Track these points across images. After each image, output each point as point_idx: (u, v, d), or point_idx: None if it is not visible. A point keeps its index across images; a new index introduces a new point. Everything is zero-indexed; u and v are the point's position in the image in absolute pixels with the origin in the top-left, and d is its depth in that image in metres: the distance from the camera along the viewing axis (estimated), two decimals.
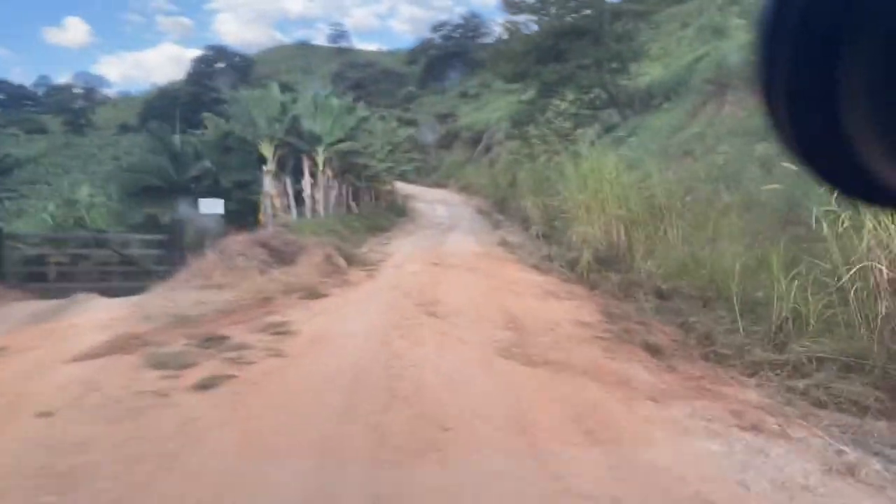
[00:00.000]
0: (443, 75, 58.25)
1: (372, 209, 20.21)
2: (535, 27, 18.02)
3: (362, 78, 55.94)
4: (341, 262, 10.26)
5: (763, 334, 5.90)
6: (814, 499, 3.25)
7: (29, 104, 70.23)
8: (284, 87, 18.50)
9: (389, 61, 70.77)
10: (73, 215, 17.31)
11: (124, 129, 56.26)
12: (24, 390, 4.76)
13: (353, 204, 19.31)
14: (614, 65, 17.14)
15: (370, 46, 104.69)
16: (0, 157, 41.09)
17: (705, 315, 6.84)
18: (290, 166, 15.96)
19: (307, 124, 15.90)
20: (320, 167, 16.30)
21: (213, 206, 12.97)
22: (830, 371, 5.02)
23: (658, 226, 9.15)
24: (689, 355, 5.77)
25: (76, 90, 73.51)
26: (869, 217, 5.45)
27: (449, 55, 60.80)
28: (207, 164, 15.55)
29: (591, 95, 16.50)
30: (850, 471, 3.65)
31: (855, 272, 5.35)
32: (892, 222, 5.22)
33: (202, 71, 62.16)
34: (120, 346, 6.14)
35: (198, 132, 18.56)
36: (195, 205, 13.24)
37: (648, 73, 18.87)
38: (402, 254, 12.36)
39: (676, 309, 7.37)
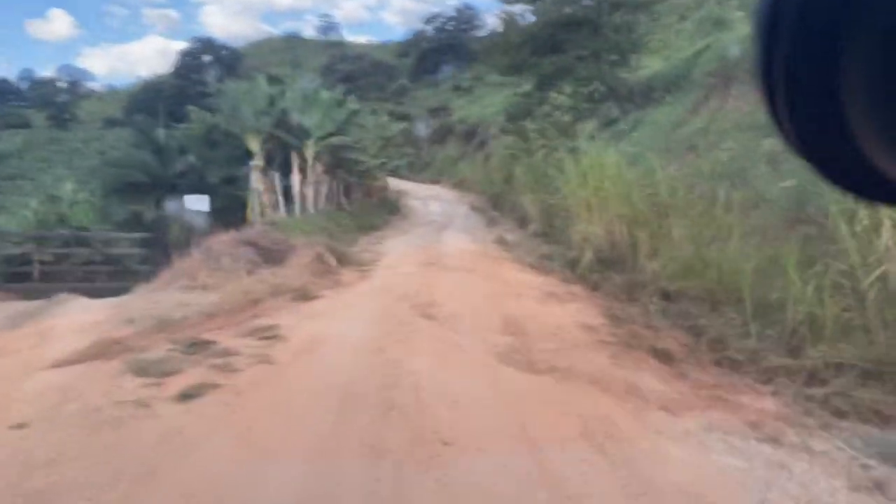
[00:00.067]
0: (436, 68, 57.78)
1: (364, 206, 19.83)
2: (531, 18, 17.68)
3: (353, 71, 55.38)
4: (332, 261, 9.94)
5: (777, 339, 5.64)
6: None
7: (12, 98, 69.19)
8: (273, 80, 18.07)
9: (380, 54, 70.17)
10: (56, 212, 16.87)
11: (110, 123, 55.56)
12: None
13: (344, 200, 18.94)
14: (613, 56, 16.82)
15: (361, 39, 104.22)
16: None
17: (714, 318, 6.57)
18: (279, 161, 15.55)
19: (296, 118, 15.50)
20: (310, 162, 15.92)
21: (198, 203, 12.60)
22: (850, 378, 4.76)
23: (662, 224, 8.87)
24: (700, 361, 5.50)
25: (60, 84, 72.43)
26: (888, 216, 5.22)
27: (442, 48, 60.34)
28: (192, 159, 15.14)
29: (590, 88, 16.18)
30: (879, 487, 3.40)
31: (873, 273, 5.11)
32: None
33: (189, 64, 61.41)
34: (100, 351, 5.82)
35: (183, 126, 18.13)
36: (180, 201, 12.87)
37: (648, 66, 18.59)
38: (395, 253, 12.04)
39: (684, 311, 7.10)
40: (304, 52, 76.46)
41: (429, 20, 67.33)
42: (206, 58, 63.03)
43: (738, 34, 13.83)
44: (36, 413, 4.08)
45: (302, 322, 6.63)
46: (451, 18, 65.11)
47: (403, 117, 32.85)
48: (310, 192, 15.96)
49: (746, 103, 11.52)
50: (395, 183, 25.83)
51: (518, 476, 3.22)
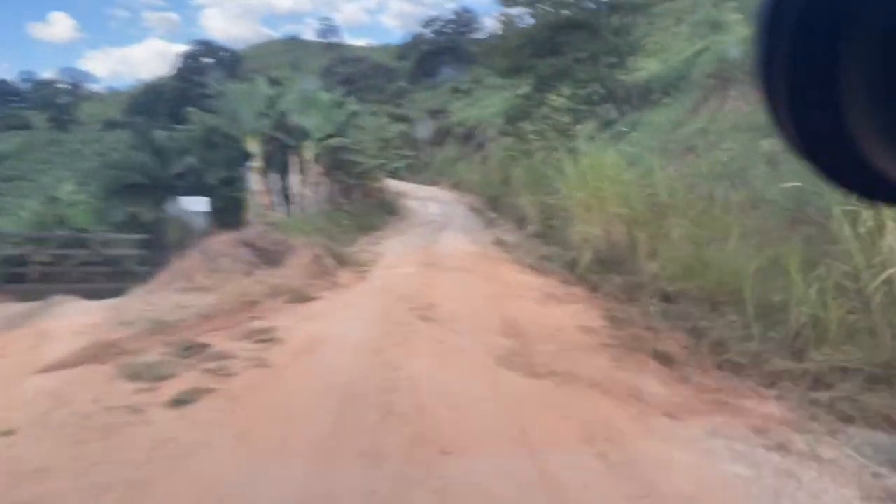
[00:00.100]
0: (434, 71, 57.72)
1: (362, 207, 19.72)
2: (530, 20, 17.64)
3: (352, 73, 55.34)
4: (331, 262, 9.85)
5: (780, 341, 5.55)
6: None
7: (13, 100, 69.17)
8: (272, 82, 18.00)
9: (380, 57, 70.12)
10: (55, 213, 16.79)
11: (110, 124, 55.45)
12: None
13: (342, 202, 18.86)
14: (612, 59, 16.78)
15: (360, 42, 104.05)
16: None
17: (715, 320, 6.49)
18: (278, 162, 15.47)
19: (295, 119, 15.42)
20: (309, 163, 15.85)
21: (196, 204, 12.52)
22: (856, 382, 4.68)
23: (661, 225, 8.80)
24: (701, 364, 5.42)
25: (61, 85, 72.38)
26: (892, 217, 5.15)
27: (440, 50, 60.31)
28: (191, 160, 15.06)
29: (588, 90, 16.13)
30: (892, 497, 3.32)
31: (878, 275, 5.03)
32: None
33: (189, 66, 61.38)
34: (93, 354, 5.74)
35: (182, 128, 18.05)
36: (179, 203, 12.80)
37: (645, 69, 18.53)
38: (394, 254, 11.96)
39: (684, 313, 7.02)
40: (304, 55, 76.46)
41: (427, 23, 67.44)
42: (207, 60, 63.00)
43: (737, 36, 13.78)
44: (25, 419, 4.00)
45: (299, 324, 6.56)
46: (449, 21, 65.17)
47: (402, 119, 32.77)
48: (309, 193, 15.88)
49: (746, 104, 11.47)
50: (393, 184, 25.75)
51: (519, 483, 3.14)
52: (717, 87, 12.49)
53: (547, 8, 17.40)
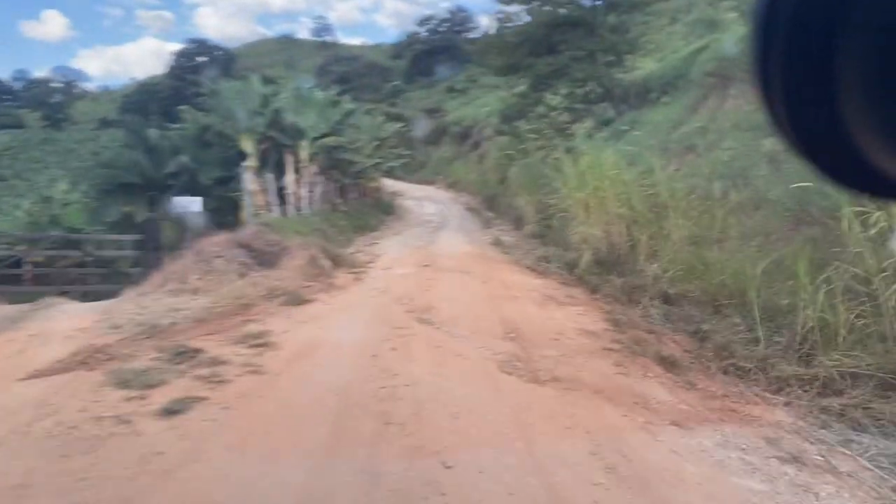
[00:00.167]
0: (429, 70, 57.46)
1: (358, 207, 19.57)
2: (527, 18, 17.48)
3: (347, 72, 55.10)
4: (327, 263, 9.69)
5: (786, 346, 5.43)
6: None
7: (6, 99, 68.76)
8: (266, 80, 17.79)
9: (374, 55, 69.95)
10: (48, 213, 16.57)
11: (104, 123, 55.16)
12: None
13: (338, 201, 18.68)
14: (609, 57, 16.64)
15: (354, 41, 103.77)
16: None
17: (718, 322, 6.38)
18: (273, 162, 15.26)
19: (290, 118, 15.21)
20: (304, 163, 15.66)
21: (190, 204, 12.33)
22: (867, 389, 4.56)
23: (662, 226, 8.67)
24: (706, 369, 5.30)
25: (54, 84, 71.92)
26: None
27: (435, 49, 60.08)
28: (185, 159, 14.83)
29: (586, 89, 15.99)
30: None
31: (891, 279, 4.91)
32: None
33: (183, 65, 61.11)
34: (82, 360, 5.58)
35: (176, 126, 17.83)
36: (172, 202, 12.61)
37: (642, 68, 18.42)
38: (390, 254, 11.80)
39: (686, 315, 6.91)
40: (299, 54, 76.30)
41: (422, 22, 67.18)
42: (201, 59, 62.72)
43: (736, 34, 13.66)
44: (7, 430, 3.84)
45: (295, 327, 6.40)
46: (444, 20, 64.99)
47: (398, 118, 32.56)
48: (304, 193, 15.69)
49: (746, 103, 11.34)
50: (389, 183, 25.61)
51: (525, 500, 3.00)
52: (716, 85, 12.37)
53: (543, 7, 17.25)
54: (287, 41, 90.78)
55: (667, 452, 3.53)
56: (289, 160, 15.42)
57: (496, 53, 19.16)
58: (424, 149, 38.25)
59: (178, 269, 9.12)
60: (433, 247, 12.89)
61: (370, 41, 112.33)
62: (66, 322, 7.29)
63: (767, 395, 4.76)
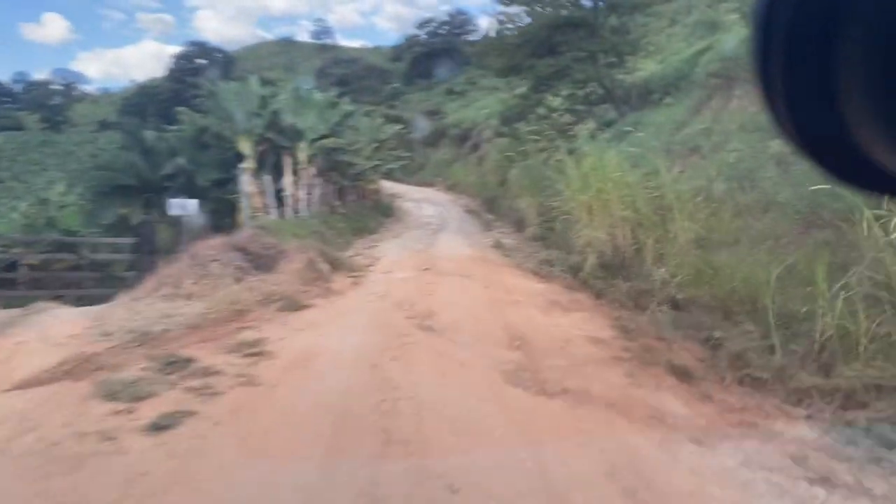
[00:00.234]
0: (429, 72, 57.26)
1: (357, 209, 19.35)
2: (527, 19, 17.26)
3: (346, 74, 54.95)
4: (325, 267, 9.46)
5: (803, 355, 5.20)
6: None
7: (6, 101, 68.54)
8: (265, 81, 17.57)
9: (374, 58, 69.79)
10: (45, 216, 16.34)
11: (103, 126, 54.94)
12: None
13: (337, 204, 18.46)
14: (611, 58, 16.43)
15: (354, 43, 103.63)
16: None
17: (730, 329, 6.14)
18: (271, 164, 15.04)
19: (288, 119, 14.99)
20: (303, 165, 15.44)
21: (186, 207, 12.09)
22: (892, 401, 4.34)
23: (668, 228, 8.44)
24: (721, 379, 5.07)
25: (54, 86, 71.71)
26: None
27: (435, 52, 59.88)
28: (181, 161, 14.59)
29: (587, 90, 15.78)
30: None
31: None
32: None
33: (183, 67, 60.92)
34: (70, 369, 5.35)
35: (173, 128, 17.60)
36: (168, 205, 12.38)
37: (643, 69, 18.21)
38: (390, 258, 11.58)
39: (695, 322, 6.66)
40: (298, 56, 76.16)
41: (422, 24, 67.04)
42: (201, 61, 62.55)
43: (738, 35, 13.45)
44: None
45: (291, 335, 6.18)
46: (444, 23, 64.84)
47: (397, 120, 32.36)
48: (302, 195, 15.46)
49: (751, 104, 11.12)
50: (388, 186, 25.40)
51: None
52: (720, 86, 12.16)
53: (544, 9, 17.05)
54: (287, 44, 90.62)
55: (688, 473, 3.30)
56: (287, 162, 15.20)
57: (496, 55, 18.94)
58: (423, 151, 38.07)
59: (172, 272, 8.89)
60: (433, 250, 12.67)
61: (370, 44, 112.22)
62: (57, 328, 7.06)
63: (787, 407, 4.54)
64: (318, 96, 17.53)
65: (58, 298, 9.63)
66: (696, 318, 6.83)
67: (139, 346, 5.94)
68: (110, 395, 4.56)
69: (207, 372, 4.91)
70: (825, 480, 3.29)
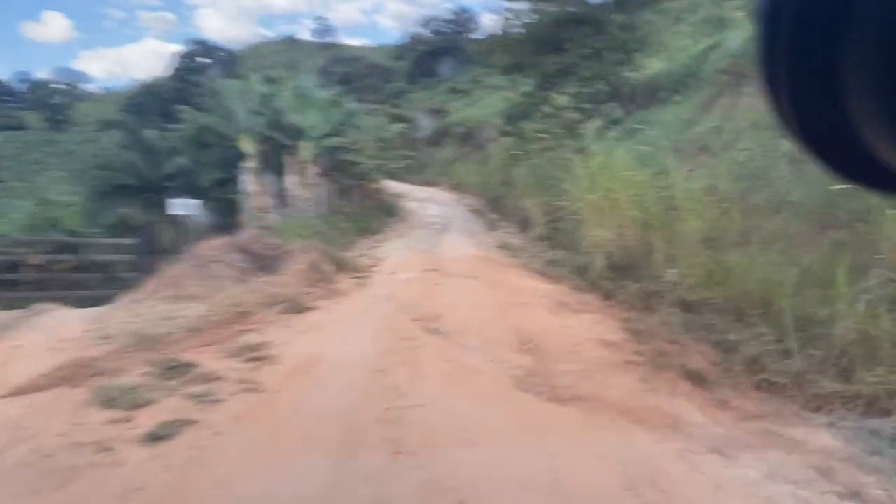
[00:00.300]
0: (432, 71, 57.07)
1: (361, 209, 19.17)
2: (533, 16, 17.06)
3: (349, 73, 54.78)
4: (329, 268, 9.31)
5: (822, 359, 5.03)
6: None
7: (8, 100, 68.55)
8: (267, 79, 17.41)
9: (377, 56, 69.57)
10: (47, 216, 16.22)
11: (105, 125, 54.86)
12: None
13: (340, 203, 18.30)
14: (619, 55, 16.23)
15: (356, 42, 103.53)
16: None
17: (743, 332, 5.97)
18: (273, 163, 14.90)
19: (291, 118, 14.84)
20: (305, 164, 15.29)
21: (188, 207, 11.96)
22: None
23: (678, 229, 8.27)
24: (737, 384, 4.91)
25: (56, 86, 71.67)
26: None
27: (438, 50, 59.67)
28: (183, 160, 14.46)
29: (593, 88, 15.59)
30: None
31: None
32: None
33: (185, 66, 60.83)
34: (67, 375, 5.22)
35: (174, 127, 17.46)
36: (170, 205, 12.25)
37: (650, 67, 18.01)
38: (395, 258, 11.42)
39: (708, 324, 6.49)
40: (301, 55, 75.98)
41: (425, 23, 66.72)
42: (203, 60, 62.46)
43: (748, 31, 13.27)
44: None
45: (294, 338, 6.04)
46: (447, 21, 64.52)
47: (400, 119, 32.19)
48: (305, 195, 15.32)
49: (762, 101, 10.93)
50: (392, 185, 25.23)
51: None
52: (730, 83, 11.97)
53: (550, 4, 16.86)
54: (289, 42, 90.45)
55: (710, 487, 3.15)
56: (289, 161, 15.06)
57: (501, 52, 18.74)
58: (427, 150, 37.88)
59: (173, 274, 8.76)
60: (438, 250, 12.51)
61: (372, 42, 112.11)
62: (56, 331, 6.94)
63: (807, 414, 4.38)
64: (321, 94, 17.37)
65: (59, 300, 9.52)
66: (708, 320, 6.66)
67: (139, 349, 5.81)
68: (108, 402, 4.42)
69: (208, 378, 4.78)
70: (855, 495, 3.14)
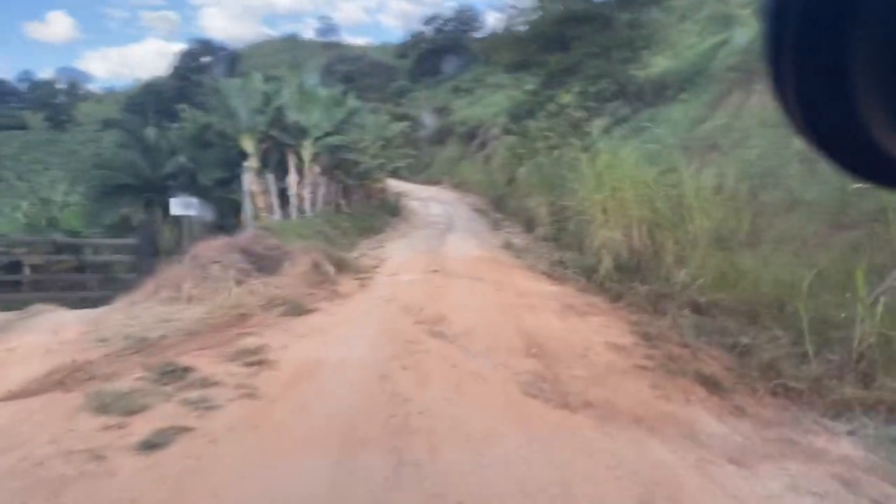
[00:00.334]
0: (435, 69, 56.81)
1: (363, 208, 19.03)
2: (538, 13, 16.91)
3: (352, 71, 54.66)
4: (330, 269, 9.15)
5: (840, 364, 4.87)
6: None
7: (10, 100, 68.62)
8: (268, 78, 17.25)
9: (380, 55, 69.43)
10: (47, 216, 16.09)
11: (107, 124, 54.77)
12: None
13: (342, 203, 18.15)
14: (625, 53, 16.07)
15: (359, 41, 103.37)
16: None
17: (757, 335, 5.81)
18: (275, 162, 14.75)
19: (293, 116, 14.67)
20: (307, 163, 15.14)
21: (187, 207, 11.81)
22: None
23: (688, 229, 8.10)
24: (753, 391, 4.75)
25: (59, 85, 71.70)
26: None
27: (441, 49, 59.42)
28: (183, 160, 14.30)
29: (599, 86, 15.44)
30: None
31: None
32: None
33: (188, 65, 60.79)
34: (61, 379, 5.07)
35: (175, 126, 17.30)
36: (169, 205, 12.10)
37: (656, 65, 17.84)
38: (397, 258, 11.26)
39: (720, 327, 6.33)
40: (304, 54, 75.80)
41: (428, 21, 66.54)
42: (206, 59, 62.40)
43: (755, 28, 13.08)
44: None
45: (295, 342, 5.88)
46: (450, 19, 64.34)
47: (403, 118, 31.99)
48: (307, 194, 15.16)
49: (772, 98, 10.74)
50: (394, 184, 25.07)
51: None
52: (739, 80, 11.79)
53: (556, 2, 16.71)
54: (292, 41, 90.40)
55: (731, 501, 2.98)
56: (291, 160, 14.91)
57: (506, 50, 18.62)
58: (430, 149, 37.72)
59: (172, 275, 8.60)
60: (441, 250, 12.35)
61: (375, 41, 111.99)
62: (51, 333, 6.79)
63: (827, 421, 4.22)
64: (323, 92, 17.21)
65: (58, 300, 9.39)
66: (721, 323, 6.50)
67: (135, 353, 5.66)
68: (102, 407, 4.27)
69: (206, 383, 4.62)
70: None
